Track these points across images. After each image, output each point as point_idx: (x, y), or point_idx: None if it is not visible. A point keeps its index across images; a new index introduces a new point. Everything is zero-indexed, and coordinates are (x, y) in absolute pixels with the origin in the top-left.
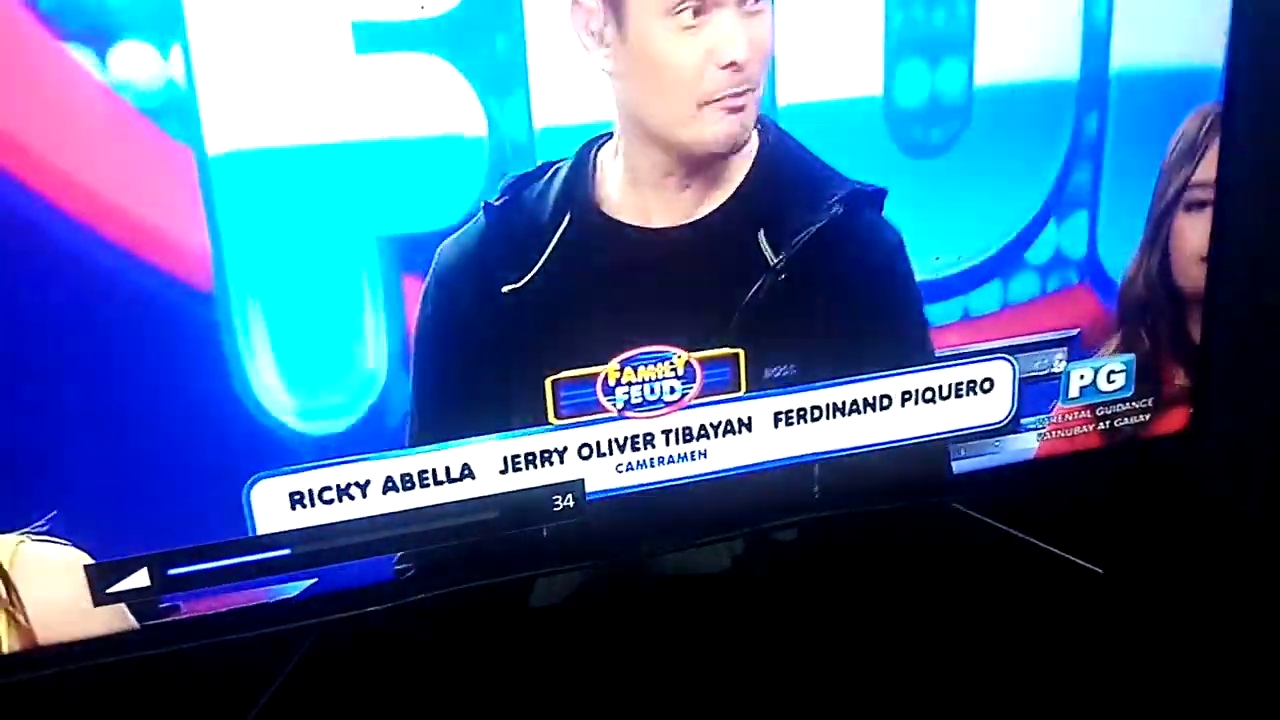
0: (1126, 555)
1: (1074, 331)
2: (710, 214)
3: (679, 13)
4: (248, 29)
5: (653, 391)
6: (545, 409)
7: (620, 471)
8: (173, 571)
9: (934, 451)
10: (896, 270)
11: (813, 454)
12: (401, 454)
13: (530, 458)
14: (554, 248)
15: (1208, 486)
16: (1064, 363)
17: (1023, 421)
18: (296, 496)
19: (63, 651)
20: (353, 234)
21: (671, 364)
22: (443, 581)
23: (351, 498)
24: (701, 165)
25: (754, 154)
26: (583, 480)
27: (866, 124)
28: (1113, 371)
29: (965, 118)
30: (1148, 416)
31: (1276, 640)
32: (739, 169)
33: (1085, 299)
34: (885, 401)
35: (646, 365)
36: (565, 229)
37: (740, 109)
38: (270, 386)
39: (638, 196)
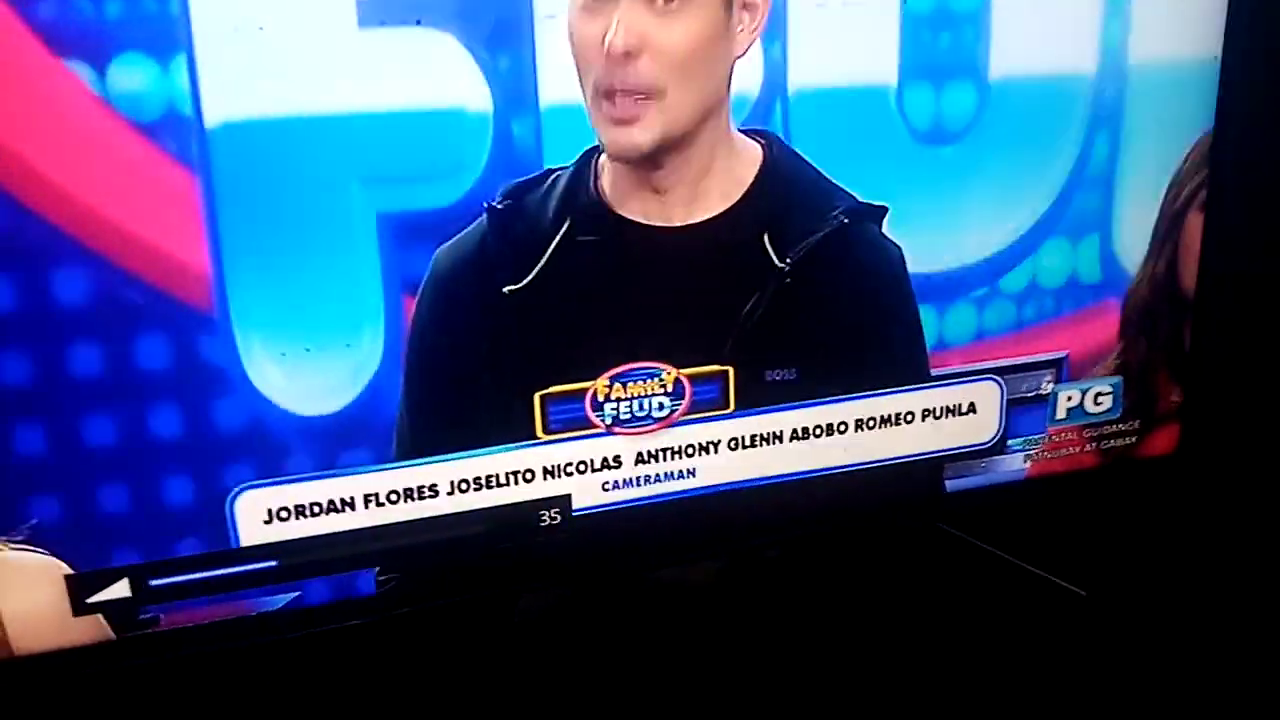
0: (1111, 577)
1: (1062, 354)
2: (713, 218)
3: None
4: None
5: (641, 408)
6: (534, 423)
7: (607, 489)
8: (155, 582)
9: (927, 470)
10: (896, 286)
11: (798, 472)
12: (386, 468)
13: (517, 475)
14: (556, 248)
15: (1194, 507)
16: (1050, 385)
17: (1010, 443)
18: (281, 511)
19: (41, 663)
20: (352, 208)
21: (661, 380)
22: (426, 595)
23: (339, 511)
24: (641, 169)
25: (759, 162)
26: (569, 496)
27: (878, 114)
28: (1100, 394)
29: (979, 111)
30: (1135, 439)
31: (1258, 662)
32: (733, 181)
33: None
34: (872, 423)
35: (636, 381)
36: (567, 230)
37: (632, 120)
38: (261, 362)
39: (632, 199)
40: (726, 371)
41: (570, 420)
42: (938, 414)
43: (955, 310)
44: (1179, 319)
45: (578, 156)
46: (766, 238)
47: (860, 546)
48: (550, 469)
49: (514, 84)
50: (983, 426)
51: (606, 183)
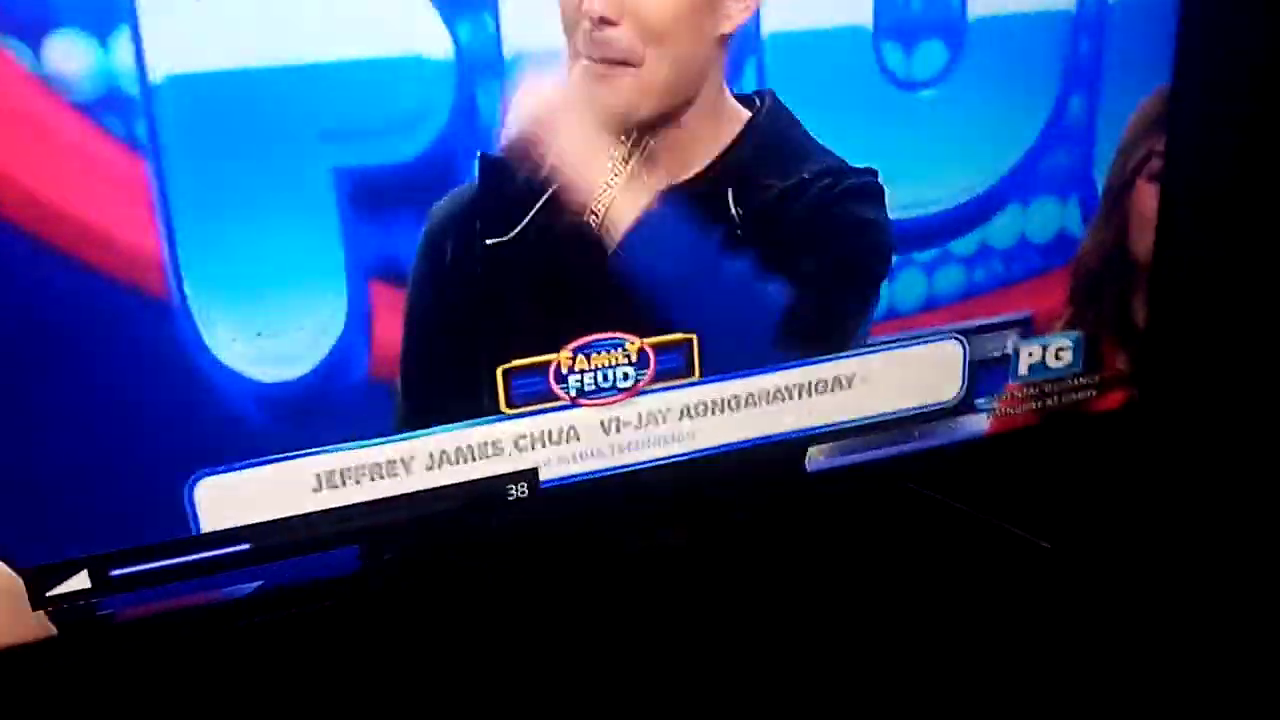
0: (1074, 530)
1: (1027, 313)
2: (690, 178)
3: None
4: None
5: (606, 378)
6: (497, 397)
7: (575, 460)
8: (116, 572)
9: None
10: (866, 241)
11: (765, 436)
12: (351, 447)
13: (483, 448)
14: (545, 203)
15: (1152, 460)
16: (1013, 341)
17: (975, 401)
18: (247, 493)
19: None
20: (307, 163)
21: (625, 350)
22: (397, 571)
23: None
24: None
25: (744, 123)
26: (536, 469)
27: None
28: (1060, 349)
29: (956, 50)
30: (1094, 392)
31: (1219, 614)
32: (715, 139)
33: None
34: (842, 383)
35: (600, 352)
36: (555, 189)
37: (607, 89)
38: (221, 330)
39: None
40: (690, 339)
41: (533, 394)
42: (904, 376)
43: (907, 274)
44: (1129, 283)
45: None
46: (730, 193)
47: (827, 507)
48: (517, 442)
49: (476, 30)
50: (946, 386)
51: None
